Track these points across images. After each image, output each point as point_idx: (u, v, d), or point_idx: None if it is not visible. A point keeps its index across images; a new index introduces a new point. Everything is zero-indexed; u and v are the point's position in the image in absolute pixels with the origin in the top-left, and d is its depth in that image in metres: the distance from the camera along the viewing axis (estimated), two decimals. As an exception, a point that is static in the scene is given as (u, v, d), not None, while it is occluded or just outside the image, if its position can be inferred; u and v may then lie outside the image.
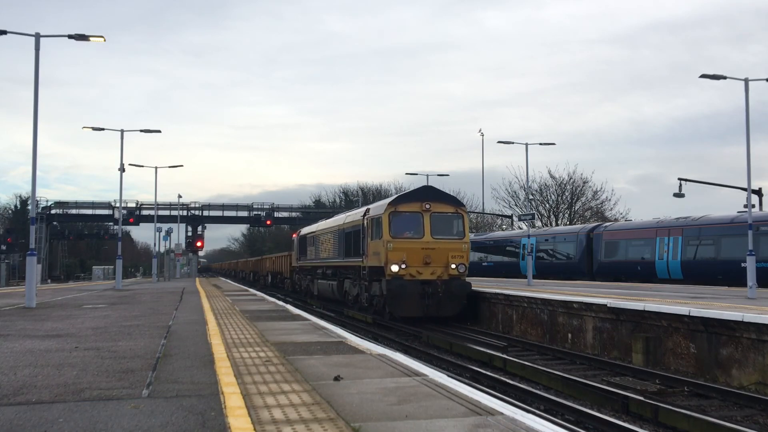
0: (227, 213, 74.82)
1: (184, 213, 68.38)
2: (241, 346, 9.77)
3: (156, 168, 48.14)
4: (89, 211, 73.84)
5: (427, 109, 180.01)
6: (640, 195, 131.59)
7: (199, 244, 70.26)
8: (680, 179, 35.51)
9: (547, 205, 56.40)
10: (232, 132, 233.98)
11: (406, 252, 20.06)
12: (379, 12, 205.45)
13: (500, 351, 14.74)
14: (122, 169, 36.31)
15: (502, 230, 52.82)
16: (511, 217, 54.76)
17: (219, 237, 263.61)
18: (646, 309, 13.80)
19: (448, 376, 8.13)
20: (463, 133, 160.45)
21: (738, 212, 28.51)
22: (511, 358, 13.60)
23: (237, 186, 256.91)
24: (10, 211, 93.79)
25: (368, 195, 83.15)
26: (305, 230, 36.92)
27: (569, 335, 16.36)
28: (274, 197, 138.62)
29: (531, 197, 53.21)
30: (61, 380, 6.99)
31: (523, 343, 16.89)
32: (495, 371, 13.16)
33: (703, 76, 20.27)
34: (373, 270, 21.52)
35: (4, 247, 66.80)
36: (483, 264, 43.26)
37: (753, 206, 22.58)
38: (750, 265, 18.78)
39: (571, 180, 55.24)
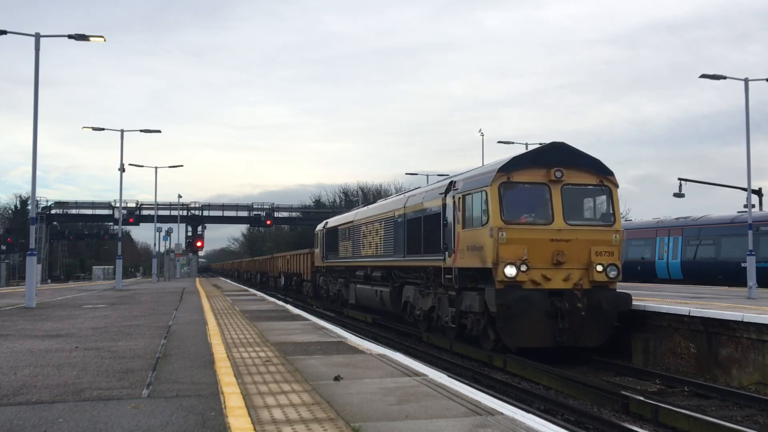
0: (227, 213, 74.80)
1: (184, 213, 68.36)
2: (241, 346, 9.77)
3: (156, 168, 48.18)
4: (89, 211, 73.82)
5: (427, 109, 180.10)
6: (640, 195, 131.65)
7: (199, 244, 70.23)
8: (680, 179, 35.54)
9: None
10: (232, 132, 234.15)
11: (528, 245, 13.34)
12: (379, 12, 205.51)
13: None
14: (122, 169, 36.33)
15: None
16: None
17: (219, 237, 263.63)
18: (646, 309, 13.80)
19: (448, 376, 8.13)
20: (463, 133, 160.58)
21: (738, 212, 28.51)
22: (511, 358, 13.59)
23: (237, 186, 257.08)
24: (10, 211, 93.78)
25: (368, 195, 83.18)
26: (335, 221, 29.27)
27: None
28: (275, 197, 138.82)
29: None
30: (61, 380, 6.99)
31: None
32: (495, 371, 13.16)
33: (703, 76, 20.27)
34: (468, 274, 14.60)
35: (4, 247, 66.79)
36: None
37: (753, 206, 22.59)
38: (750, 265, 18.78)
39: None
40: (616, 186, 14.55)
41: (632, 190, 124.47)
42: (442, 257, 15.46)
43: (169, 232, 63.56)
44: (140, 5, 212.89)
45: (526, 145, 46.36)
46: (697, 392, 10.99)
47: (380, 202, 23.82)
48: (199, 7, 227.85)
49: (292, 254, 43.44)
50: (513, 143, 44.51)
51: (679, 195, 35.43)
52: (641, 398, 9.62)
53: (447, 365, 13.66)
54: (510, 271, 13.11)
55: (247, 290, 33.45)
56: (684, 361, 12.86)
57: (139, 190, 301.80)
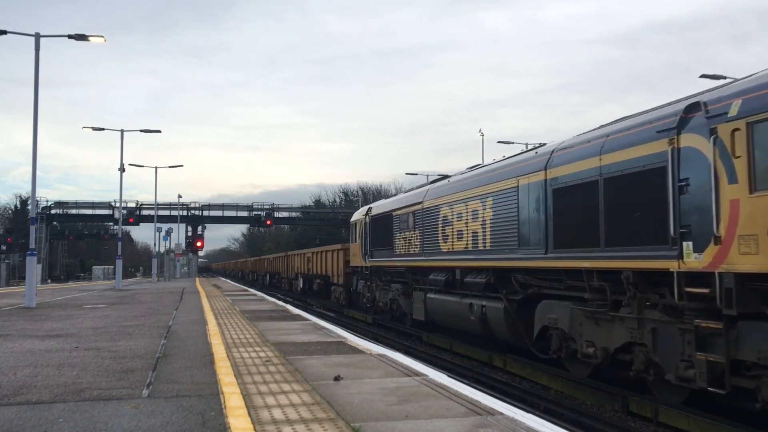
0: (227, 213, 74.73)
1: (184, 213, 68.33)
2: (241, 346, 9.77)
3: (156, 168, 48.24)
4: (89, 211, 73.73)
5: (427, 109, 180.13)
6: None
7: (199, 244, 70.19)
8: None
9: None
10: (232, 132, 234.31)
11: None
12: (379, 13, 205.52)
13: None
14: (122, 169, 36.36)
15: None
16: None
17: (219, 237, 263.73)
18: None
19: (448, 376, 8.13)
20: (463, 133, 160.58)
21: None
22: (511, 358, 13.57)
23: (238, 186, 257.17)
24: (10, 211, 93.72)
25: (368, 195, 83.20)
26: (385, 205, 21.32)
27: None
28: (275, 197, 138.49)
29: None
30: (61, 380, 6.99)
31: None
32: (495, 371, 13.15)
33: (703, 76, 20.29)
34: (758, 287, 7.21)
35: (4, 247, 66.76)
36: None
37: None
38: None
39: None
40: None
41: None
42: (671, 252, 8.16)
43: (169, 232, 63.60)
44: (140, 5, 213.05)
45: (526, 144, 46.52)
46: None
47: (482, 169, 14.87)
48: (200, 7, 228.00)
49: (316, 251, 34.74)
50: (513, 143, 44.66)
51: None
52: (641, 398, 9.60)
53: (447, 365, 13.65)
54: None
55: (247, 290, 33.46)
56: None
57: (139, 190, 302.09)
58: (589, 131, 10.83)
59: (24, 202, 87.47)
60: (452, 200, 15.11)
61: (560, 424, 6.86)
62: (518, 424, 5.11)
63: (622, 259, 9.17)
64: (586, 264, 9.96)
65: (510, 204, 12.39)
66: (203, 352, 9.06)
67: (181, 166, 55.10)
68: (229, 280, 60.31)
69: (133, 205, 68.97)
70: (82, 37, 20.75)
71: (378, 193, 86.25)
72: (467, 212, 14.27)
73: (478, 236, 13.73)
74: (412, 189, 20.48)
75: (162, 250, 65.40)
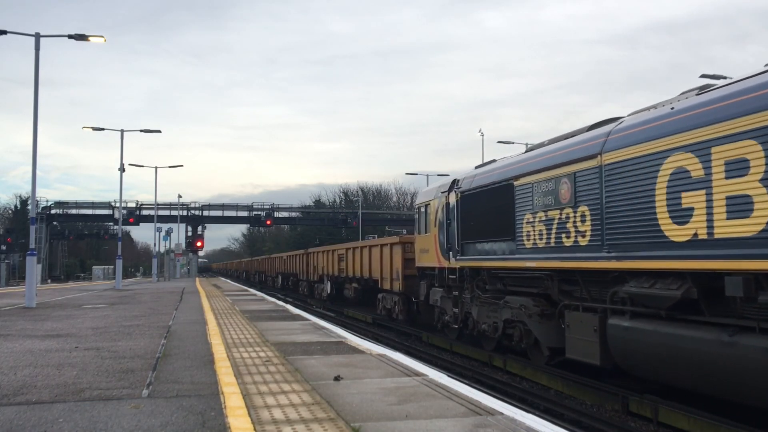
0: (227, 213, 74.74)
1: (184, 213, 68.36)
2: (241, 346, 9.77)
3: (156, 168, 48.27)
4: (89, 211, 73.76)
5: (427, 109, 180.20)
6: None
7: (199, 244, 70.21)
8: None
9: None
10: (232, 132, 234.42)
11: None
12: (379, 12, 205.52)
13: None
14: (122, 169, 36.36)
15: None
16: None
17: (219, 237, 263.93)
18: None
19: (448, 376, 8.13)
20: (463, 133, 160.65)
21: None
22: (510, 358, 13.58)
23: (238, 186, 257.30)
24: (10, 211, 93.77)
25: (368, 195, 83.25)
26: (497, 170, 13.44)
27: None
28: (275, 197, 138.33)
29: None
30: (61, 380, 7.00)
31: None
32: (495, 371, 13.15)
33: (703, 76, 20.30)
34: None
35: (4, 247, 66.80)
36: None
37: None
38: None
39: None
40: None
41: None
42: None
43: (169, 232, 63.61)
44: (140, 5, 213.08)
45: (526, 144, 46.58)
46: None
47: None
48: (200, 7, 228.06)
49: (353, 247, 26.28)
50: (513, 143, 44.70)
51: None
52: (641, 398, 9.60)
53: (447, 365, 13.66)
54: None
55: (247, 290, 33.46)
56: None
57: (139, 190, 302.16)
58: None
59: (24, 202, 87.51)
60: (698, 140, 7.73)
61: (560, 424, 6.86)
62: (518, 424, 5.11)
63: None
64: None
65: None
66: (203, 352, 9.06)
67: (181, 166, 55.20)
68: (229, 281, 60.28)
69: (133, 205, 69.03)
70: (82, 37, 20.76)
71: (378, 193, 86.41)
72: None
73: None
74: (553, 141, 11.83)
75: (162, 250, 65.45)
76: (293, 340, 10.59)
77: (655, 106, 9.28)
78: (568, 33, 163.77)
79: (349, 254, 26.37)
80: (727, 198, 7.27)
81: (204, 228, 73.20)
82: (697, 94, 8.34)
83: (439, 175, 58.97)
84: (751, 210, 6.95)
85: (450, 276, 15.13)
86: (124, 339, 10.78)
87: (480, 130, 54.06)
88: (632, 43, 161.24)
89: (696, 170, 7.75)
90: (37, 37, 19.98)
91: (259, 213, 73.29)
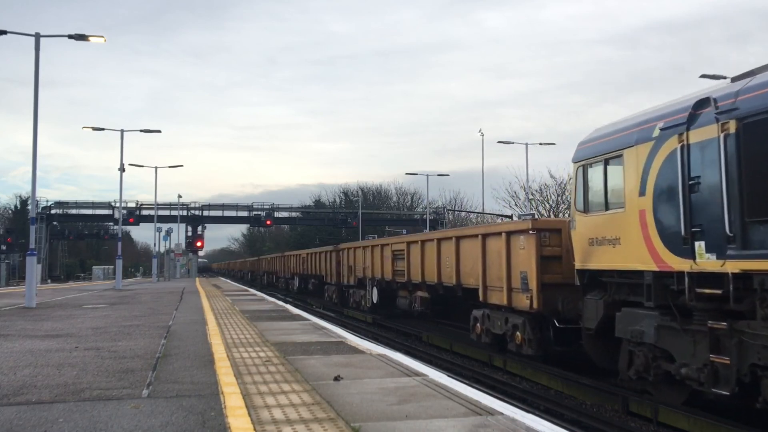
0: (227, 213, 74.71)
1: (184, 213, 68.32)
2: (241, 346, 9.77)
3: (156, 168, 48.27)
4: (89, 211, 73.73)
5: (427, 109, 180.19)
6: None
7: (199, 244, 70.17)
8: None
9: (547, 205, 56.42)
10: (232, 132, 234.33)
11: None
12: (379, 12, 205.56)
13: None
14: (122, 169, 36.36)
15: None
16: (511, 216, 54.83)
17: (219, 237, 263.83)
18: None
19: (448, 376, 8.13)
20: (463, 133, 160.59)
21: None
22: (511, 358, 13.58)
23: (239, 186, 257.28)
24: (10, 211, 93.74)
25: (368, 195, 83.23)
26: None
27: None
28: (276, 197, 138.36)
29: (531, 197, 53.24)
30: (61, 380, 7.00)
31: None
32: (495, 371, 13.16)
33: (704, 76, 20.29)
34: None
35: (4, 247, 66.79)
36: None
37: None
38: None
39: (571, 180, 55.32)
40: None
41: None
42: None
43: (169, 232, 63.61)
44: (141, 5, 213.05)
45: (526, 145, 46.55)
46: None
47: None
48: (200, 7, 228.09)
49: (422, 239, 18.48)
50: (513, 143, 44.74)
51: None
52: (641, 398, 9.61)
53: (447, 365, 13.65)
54: None
55: (247, 290, 33.46)
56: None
57: (139, 190, 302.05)
58: None
59: (24, 202, 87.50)
60: None
61: (560, 424, 6.86)
62: (518, 424, 5.11)
63: None
64: None
65: None
66: (203, 352, 9.06)
67: (181, 166, 55.13)
68: (229, 281, 60.26)
69: (133, 205, 68.96)
70: (82, 37, 20.76)
71: (378, 193, 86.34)
72: None
73: None
74: None
75: (162, 250, 65.45)
76: (293, 340, 10.59)
77: None
78: (569, 33, 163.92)
79: (413, 250, 18.62)
80: None
81: (204, 228, 73.17)
82: None
83: (438, 175, 59.06)
84: None
85: (698, 289, 7.93)
86: (124, 339, 10.77)
87: (480, 130, 54.07)
88: (632, 43, 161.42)
89: None
90: (37, 37, 19.98)
91: (259, 213, 73.25)
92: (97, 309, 18.37)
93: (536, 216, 22.30)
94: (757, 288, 7.06)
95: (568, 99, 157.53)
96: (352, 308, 25.77)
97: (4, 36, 19.42)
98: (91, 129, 34.95)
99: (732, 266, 7.31)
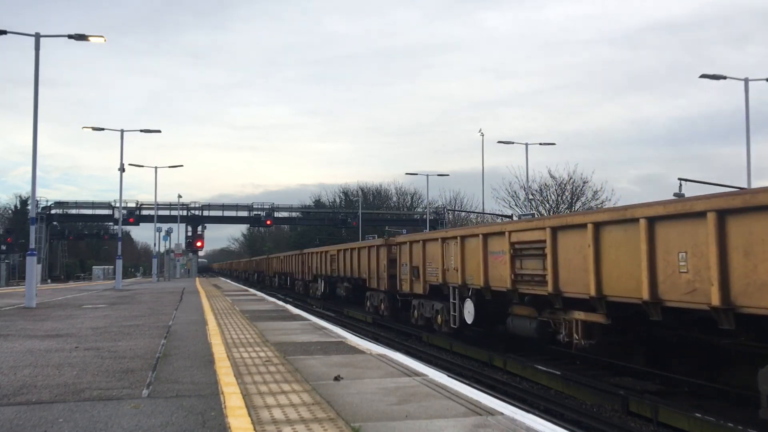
0: (227, 213, 74.74)
1: (184, 213, 68.34)
2: (241, 346, 9.77)
3: (156, 168, 48.29)
4: (89, 211, 73.75)
5: (427, 109, 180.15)
6: (642, 195, 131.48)
7: (199, 244, 70.21)
8: (680, 179, 35.49)
9: (547, 205, 56.44)
10: (232, 132, 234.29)
11: None
12: (379, 12, 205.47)
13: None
14: (122, 169, 36.36)
15: None
16: (511, 216, 54.84)
17: (219, 237, 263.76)
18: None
19: (448, 376, 8.13)
20: (463, 133, 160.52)
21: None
22: (511, 358, 13.58)
23: (239, 186, 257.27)
24: (10, 211, 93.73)
25: (368, 195, 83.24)
26: None
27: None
28: (276, 197, 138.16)
29: (531, 197, 53.26)
30: (61, 380, 6.99)
31: None
32: (495, 371, 13.16)
33: (704, 76, 20.30)
34: None
35: (4, 247, 66.77)
36: None
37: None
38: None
39: (571, 180, 55.23)
40: None
41: (633, 190, 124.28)
42: None
43: (169, 232, 63.62)
44: (141, 5, 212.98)
45: (526, 145, 46.54)
46: (697, 392, 10.96)
47: None
48: (200, 7, 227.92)
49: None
50: (513, 143, 44.71)
51: (679, 195, 35.46)
52: (641, 398, 9.61)
53: (447, 365, 13.66)
54: None
55: (247, 290, 33.47)
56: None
57: (139, 190, 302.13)
58: None
59: (24, 202, 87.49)
60: None
61: (560, 424, 6.86)
62: (518, 424, 5.11)
63: None
64: None
65: None
66: (203, 352, 9.06)
67: (181, 166, 55.10)
68: (229, 281, 60.23)
69: (133, 205, 68.99)
70: (82, 37, 20.76)
71: (378, 193, 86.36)
72: None
73: None
74: None
75: (162, 250, 65.47)
76: (293, 340, 10.59)
77: None
78: (569, 33, 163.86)
79: (575, 240, 10.67)
80: None
81: (204, 228, 73.20)
82: None
83: (438, 175, 59.05)
84: None
85: None
86: (124, 339, 10.77)
87: (480, 130, 54.03)
88: (632, 43, 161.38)
89: None
90: (37, 37, 19.99)
91: (259, 213, 73.27)
92: (97, 309, 18.37)
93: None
94: None
95: (568, 99, 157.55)
96: (417, 327, 18.29)
97: (4, 36, 19.43)
98: (91, 129, 34.96)
99: None
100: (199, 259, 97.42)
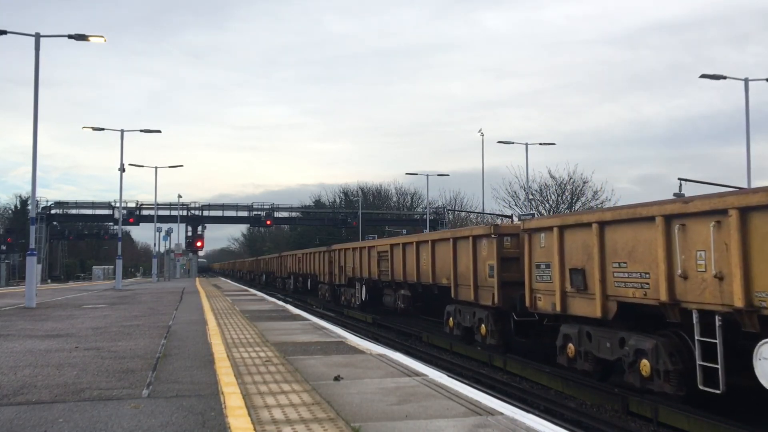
0: (227, 213, 74.72)
1: (184, 213, 68.33)
2: (241, 346, 9.77)
3: (156, 168, 48.28)
4: (89, 211, 73.74)
5: (427, 109, 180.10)
6: (642, 195, 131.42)
7: (199, 244, 70.19)
8: (680, 179, 35.48)
9: (547, 205, 56.44)
10: (232, 132, 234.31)
11: None
12: (379, 12, 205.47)
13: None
14: (122, 169, 36.36)
15: None
16: (511, 216, 54.85)
17: (219, 237, 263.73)
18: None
19: (448, 376, 8.13)
20: (463, 133, 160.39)
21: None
22: (511, 358, 13.58)
23: (239, 186, 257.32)
24: (10, 211, 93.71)
25: (368, 195, 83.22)
26: None
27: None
28: (276, 197, 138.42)
29: (531, 197, 53.26)
30: (61, 380, 6.99)
31: None
32: (495, 371, 13.16)
33: (704, 76, 20.30)
34: None
35: (4, 247, 66.81)
36: None
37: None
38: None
39: (571, 180, 55.24)
40: None
41: (633, 190, 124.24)
42: None
43: (169, 232, 63.60)
44: (141, 5, 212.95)
45: (526, 145, 46.52)
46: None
47: None
48: (200, 7, 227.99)
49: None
50: (513, 143, 44.70)
51: (679, 195, 35.46)
52: (641, 398, 9.61)
53: (447, 365, 13.65)
54: None
55: (247, 290, 33.46)
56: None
57: (139, 190, 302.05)
58: None
59: (24, 202, 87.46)
60: None
61: (560, 424, 6.86)
62: (518, 424, 5.11)
63: None
64: None
65: None
66: (203, 352, 9.06)
67: (181, 166, 55.07)
68: (229, 281, 60.21)
69: (133, 205, 68.97)
70: (82, 37, 20.76)
71: (378, 193, 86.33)
72: None
73: None
74: None
75: (162, 250, 65.44)
76: (293, 340, 10.59)
77: None
78: (568, 33, 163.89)
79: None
80: None
81: (204, 228, 73.18)
82: None
83: (438, 175, 59.00)
84: None
85: None
86: (124, 339, 10.77)
87: (480, 130, 54.01)
88: (632, 44, 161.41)
89: None
90: (37, 37, 19.99)
91: (259, 213, 73.24)
92: (97, 309, 18.37)
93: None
94: None
95: (568, 99, 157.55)
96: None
97: (4, 36, 19.43)
98: (91, 129, 34.96)
99: None
100: (199, 259, 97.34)
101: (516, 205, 57.64)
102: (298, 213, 78.23)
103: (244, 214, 74.15)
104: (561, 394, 11.00)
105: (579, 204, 56.64)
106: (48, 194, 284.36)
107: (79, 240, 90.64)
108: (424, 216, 63.83)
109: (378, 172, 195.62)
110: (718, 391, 7.74)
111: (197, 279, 58.77)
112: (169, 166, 48.47)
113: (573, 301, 10.72)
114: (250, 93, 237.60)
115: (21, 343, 10.26)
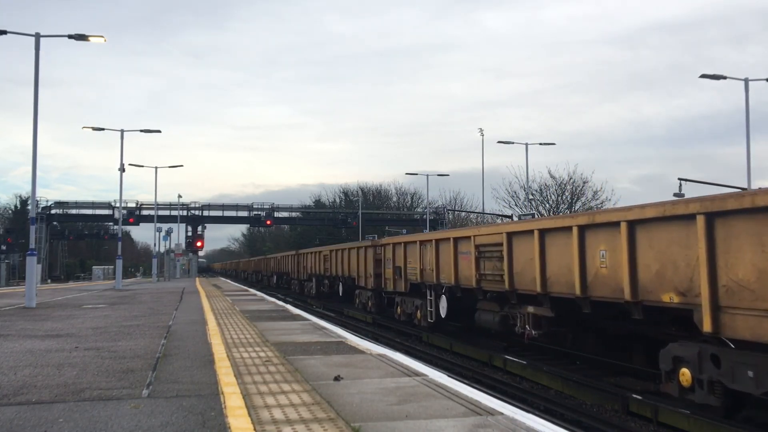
0: (227, 213, 74.70)
1: (184, 213, 68.32)
2: (241, 346, 9.77)
3: (156, 168, 48.29)
4: (89, 211, 73.72)
5: (428, 109, 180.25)
6: (642, 195, 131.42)
7: (199, 244, 70.17)
8: (680, 179, 35.50)
9: (547, 205, 56.42)
10: (232, 132, 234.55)
11: None
12: (379, 12, 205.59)
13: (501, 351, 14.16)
14: (122, 169, 36.36)
15: None
16: (511, 216, 54.83)
17: (219, 237, 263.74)
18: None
19: (448, 376, 8.13)
20: (463, 133, 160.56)
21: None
22: (511, 358, 13.58)
23: (239, 186, 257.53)
24: (10, 211, 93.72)
25: (368, 195, 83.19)
26: None
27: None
28: (276, 197, 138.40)
29: (531, 197, 53.25)
30: (61, 380, 6.99)
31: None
32: (495, 371, 13.15)
33: (704, 76, 20.30)
34: None
35: (4, 247, 66.78)
36: None
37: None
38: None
39: (571, 180, 55.22)
40: None
41: (633, 190, 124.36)
42: None
43: (169, 232, 63.61)
44: (141, 5, 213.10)
45: (526, 145, 46.56)
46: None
47: None
48: (200, 7, 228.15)
49: None
50: (513, 143, 44.70)
51: (679, 195, 35.46)
52: (641, 398, 9.61)
53: (447, 365, 13.65)
54: None
55: (247, 290, 33.46)
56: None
57: (139, 190, 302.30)
58: None
59: (24, 202, 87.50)
60: None
61: (560, 424, 6.86)
62: (518, 424, 5.11)
63: None
64: None
65: None
66: (203, 352, 9.06)
67: (181, 166, 55.09)
68: (229, 280, 60.19)
69: (133, 205, 68.96)
70: (82, 37, 20.76)
71: (378, 193, 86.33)
72: None
73: None
74: None
75: (162, 250, 65.45)
76: (293, 340, 10.59)
77: None
78: (569, 33, 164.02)
79: None
80: None
81: (204, 228, 73.17)
82: None
83: (438, 175, 59.00)
84: None
85: None
86: (124, 339, 10.77)
87: (480, 130, 54.03)
88: (632, 44, 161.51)
89: None
90: (37, 37, 19.98)
91: (259, 213, 73.22)
92: (97, 309, 18.37)
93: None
94: None
95: (568, 99, 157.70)
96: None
97: (4, 36, 19.43)
98: (91, 129, 34.96)
99: None
100: (199, 259, 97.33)
101: (516, 205, 57.61)
102: (298, 213, 78.20)
103: (244, 214, 74.13)
104: (561, 394, 10.99)
105: (579, 204, 56.65)
106: (48, 194, 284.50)
107: (79, 240, 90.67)
108: (424, 216, 63.83)
109: (378, 172, 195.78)
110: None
111: (197, 279, 58.77)
112: (169, 166, 48.50)
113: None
114: (250, 93, 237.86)
115: (21, 343, 10.26)
